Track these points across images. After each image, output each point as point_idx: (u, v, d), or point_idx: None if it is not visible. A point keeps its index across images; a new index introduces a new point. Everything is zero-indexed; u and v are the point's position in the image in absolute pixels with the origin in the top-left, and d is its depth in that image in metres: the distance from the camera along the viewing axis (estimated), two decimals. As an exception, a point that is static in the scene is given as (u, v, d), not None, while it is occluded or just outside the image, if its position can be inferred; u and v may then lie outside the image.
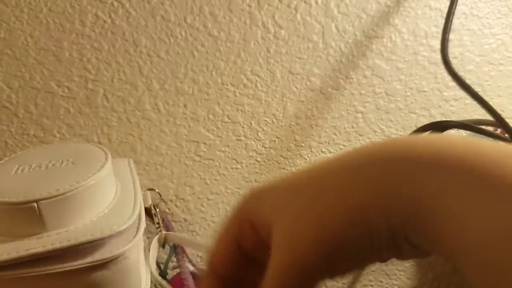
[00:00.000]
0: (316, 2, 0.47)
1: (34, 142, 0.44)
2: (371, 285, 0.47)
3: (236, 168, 0.48)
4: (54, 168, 0.23)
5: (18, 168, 0.24)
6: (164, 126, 0.46)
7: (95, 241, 0.20)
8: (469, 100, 0.50)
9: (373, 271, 0.46)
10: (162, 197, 0.44)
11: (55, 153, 0.25)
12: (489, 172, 0.12)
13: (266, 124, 0.48)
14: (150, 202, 0.34)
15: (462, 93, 0.47)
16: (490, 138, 0.46)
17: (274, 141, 0.48)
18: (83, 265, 0.20)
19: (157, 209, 0.33)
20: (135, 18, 0.44)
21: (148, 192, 0.34)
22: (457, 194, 0.13)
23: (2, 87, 0.43)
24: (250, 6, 0.46)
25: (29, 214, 0.20)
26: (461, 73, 0.50)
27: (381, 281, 0.47)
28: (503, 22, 0.51)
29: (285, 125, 0.48)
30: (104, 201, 0.23)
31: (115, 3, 0.44)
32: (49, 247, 0.19)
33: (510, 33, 0.52)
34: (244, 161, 0.48)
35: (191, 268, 0.34)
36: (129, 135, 0.45)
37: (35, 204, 0.20)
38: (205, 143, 0.47)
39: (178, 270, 0.34)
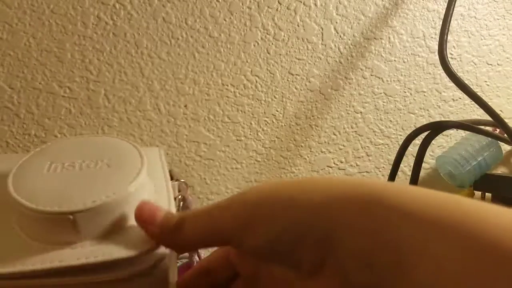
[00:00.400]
0: (315, 4, 0.48)
1: (35, 142, 0.44)
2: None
3: (236, 168, 0.48)
4: (89, 171, 0.22)
5: (51, 166, 0.22)
6: (164, 127, 0.46)
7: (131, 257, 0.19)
8: (468, 100, 0.51)
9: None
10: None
11: (88, 150, 0.24)
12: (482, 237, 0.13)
13: (266, 124, 0.48)
14: (176, 193, 0.32)
15: (461, 94, 0.47)
16: (490, 138, 0.46)
17: (274, 141, 0.48)
18: (119, 277, 0.19)
19: (181, 203, 0.32)
20: (136, 20, 0.45)
21: (176, 183, 0.32)
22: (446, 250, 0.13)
23: (4, 88, 0.43)
24: (250, 8, 0.47)
25: (63, 224, 0.19)
26: (460, 74, 0.50)
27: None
28: (500, 24, 0.52)
29: (285, 125, 0.48)
30: None
31: (117, 5, 0.45)
32: (83, 260, 0.19)
33: (508, 34, 0.52)
34: (244, 161, 0.48)
35: (197, 258, 0.34)
36: (130, 135, 0.46)
37: (70, 216, 0.19)
38: (205, 143, 0.47)
39: (185, 260, 0.34)
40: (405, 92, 0.50)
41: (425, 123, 0.44)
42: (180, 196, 0.31)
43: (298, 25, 0.48)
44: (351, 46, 0.49)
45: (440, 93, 0.51)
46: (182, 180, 0.37)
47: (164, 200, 0.23)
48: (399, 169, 0.46)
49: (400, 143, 0.44)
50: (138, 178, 0.22)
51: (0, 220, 0.22)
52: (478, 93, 0.41)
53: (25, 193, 0.20)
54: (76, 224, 0.19)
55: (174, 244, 0.20)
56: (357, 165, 0.50)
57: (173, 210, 0.23)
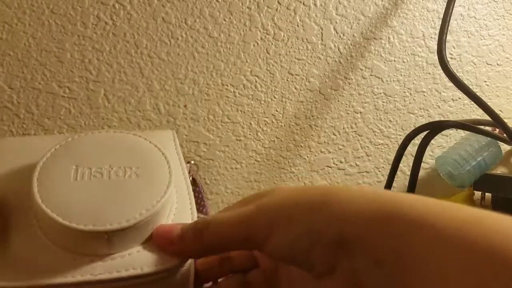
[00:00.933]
0: (315, 4, 0.48)
1: (35, 142, 0.44)
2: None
3: (236, 168, 0.48)
4: (118, 181, 0.21)
5: (77, 171, 0.21)
6: (164, 127, 0.46)
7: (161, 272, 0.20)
8: (467, 100, 0.51)
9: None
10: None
11: (114, 153, 0.23)
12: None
13: (265, 124, 0.48)
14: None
15: (460, 94, 0.47)
16: (489, 138, 0.46)
17: (274, 141, 0.48)
18: (146, 281, 0.20)
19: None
20: (136, 20, 0.45)
21: (187, 165, 0.31)
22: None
23: (4, 88, 0.43)
24: (249, 8, 0.47)
25: (96, 240, 0.19)
26: (460, 74, 0.50)
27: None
28: (500, 24, 0.52)
29: (284, 125, 0.48)
30: (167, 219, 0.22)
31: (117, 5, 0.45)
32: (114, 274, 0.19)
33: (507, 34, 0.52)
34: (243, 161, 0.48)
35: None
36: (129, 135, 0.46)
37: (105, 235, 0.19)
38: (205, 143, 0.47)
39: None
40: (404, 92, 0.50)
41: (424, 123, 0.44)
42: (190, 178, 0.31)
43: (297, 25, 0.48)
44: (350, 46, 0.49)
45: (440, 93, 0.51)
46: (193, 162, 0.36)
47: (187, 215, 0.23)
48: (399, 169, 0.46)
49: (400, 143, 0.44)
50: (168, 190, 0.22)
51: (21, 221, 0.21)
52: (478, 93, 0.41)
53: (54, 205, 0.20)
54: (110, 241, 0.19)
55: (198, 249, 0.20)
56: (356, 165, 0.50)
57: (193, 203, 0.23)
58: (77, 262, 0.19)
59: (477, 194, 0.48)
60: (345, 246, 0.16)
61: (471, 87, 0.41)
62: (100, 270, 0.19)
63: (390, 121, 0.50)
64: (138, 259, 0.20)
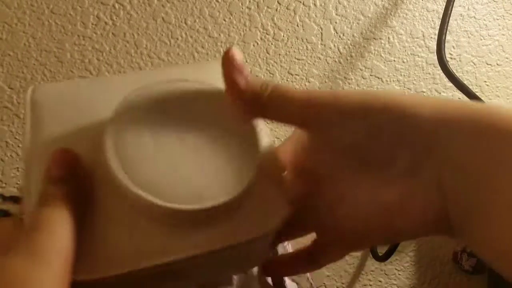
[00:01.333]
0: (315, 4, 0.48)
1: (35, 142, 0.44)
2: (370, 285, 0.47)
3: (236, 168, 0.48)
4: (202, 148, 0.19)
5: (153, 139, 0.19)
6: (164, 127, 0.46)
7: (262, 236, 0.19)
8: (467, 100, 0.51)
9: (372, 270, 0.46)
10: None
11: (189, 112, 0.20)
12: None
13: (265, 125, 0.48)
14: None
15: (460, 94, 0.47)
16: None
17: (274, 141, 0.48)
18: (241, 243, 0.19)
19: None
20: (136, 20, 0.45)
21: None
22: None
23: (4, 88, 0.43)
24: (249, 8, 0.47)
25: (196, 215, 0.18)
26: (460, 74, 0.50)
27: (380, 281, 0.47)
28: (500, 24, 0.52)
29: (284, 125, 0.48)
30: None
31: (117, 5, 0.45)
32: (217, 245, 0.18)
33: (507, 34, 0.52)
34: (243, 161, 0.48)
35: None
36: (129, 135, 0.46)
37: (206, 212, 0.18)
38: (205, 143, 0.47)
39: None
40: (404, 92, 0.50)
41: (424, 123, 0.44)
42: None
43: (297, 25, 0.48)
44: (350, 46, 0.49)
45: (440, 93, 0.51)
46: None
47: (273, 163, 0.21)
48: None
49: (399, 143, 0.44)
50: (260, 150, 0.19)
51: (106, 199, 0.19)
52: (478, 93, 0.41)
53: (143, 184, 0.18)
54: (211, 215, 0.18)
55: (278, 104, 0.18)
56: (356, 165, 0.50)
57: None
58: (179, 235, 0.18)
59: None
60: (435, 153, 0.16)
61: (471, 87, 0.41)
62: (204, 243, 0.18)
63: (390, 121, 0.50)
64: (238, 226, 0.19)
